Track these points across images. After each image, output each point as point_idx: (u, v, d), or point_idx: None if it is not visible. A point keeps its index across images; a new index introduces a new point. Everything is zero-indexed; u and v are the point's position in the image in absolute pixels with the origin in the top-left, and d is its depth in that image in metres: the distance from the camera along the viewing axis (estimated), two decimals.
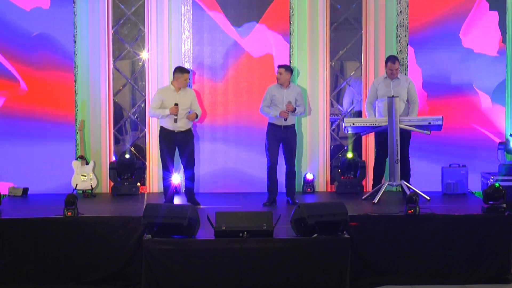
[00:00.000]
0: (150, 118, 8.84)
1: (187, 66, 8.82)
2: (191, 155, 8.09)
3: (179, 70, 8.08)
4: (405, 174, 8.13)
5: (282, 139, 8.11)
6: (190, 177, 8.10)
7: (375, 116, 8.24)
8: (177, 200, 8.31)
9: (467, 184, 8.56)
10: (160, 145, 8.09)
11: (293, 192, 8.17)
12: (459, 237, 6.85)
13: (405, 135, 8.11)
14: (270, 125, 8.15)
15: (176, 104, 7.85)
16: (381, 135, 8.17)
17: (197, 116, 8.06)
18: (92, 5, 8.84)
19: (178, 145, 8.03)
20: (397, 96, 7.91)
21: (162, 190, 8.27)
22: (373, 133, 8.54)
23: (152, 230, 6.40)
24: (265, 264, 6.29)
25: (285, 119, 8.01)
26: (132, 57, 9.12)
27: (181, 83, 8.00)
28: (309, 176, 8.88)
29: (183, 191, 8.35)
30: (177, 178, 8.63)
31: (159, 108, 7.98)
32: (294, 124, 8.19)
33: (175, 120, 7.87)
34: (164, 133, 8.01)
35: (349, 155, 8.81)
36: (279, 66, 8.20)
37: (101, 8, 8.85)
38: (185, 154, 8.05)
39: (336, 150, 9.16)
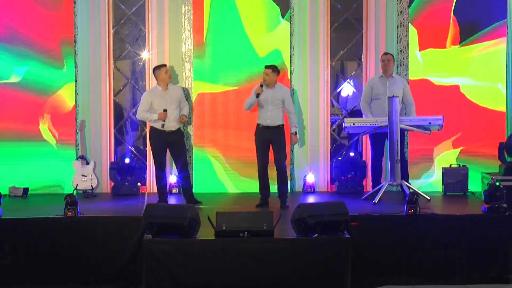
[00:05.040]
0: None
1: (187, 66, 8.82)
2: (184, 155, 8.07)
3: (156, 67, 8.03)
4: (403, 174, 8.12)
5: (270, 140, 8.03)
6: (186, 177, 8.07)
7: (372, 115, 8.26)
8: (176, 201, 8.31)
9: (467, 184, 8.56)
10: (151, 145, 8.02)
11: (284, 195, 8.04)
12: (460, 237, 6.85)
13: (401, 135, 8.08)
14: (258, 125, 8.06)
15: (165, 110, 7.81)
16: (377, 135, 8.18)
17: (186, 117, 8.04)
18: (92, 5, 8.84)
19: (169, 145, 7.98)
20: (397, 96, 7.92)
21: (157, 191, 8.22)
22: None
23: (152, 230, 6.39)
24: (266, 264, 6.28)
25: (257, 96, 7.86)
26: (132, 57, 9.12)
27: (164, 78, 7.93)
28: (308, 177, 8.87)
29: (181, 191, 8.33)
30: (173, 178, 8.67)
31: (147, 111, 7.91)
32: (282, 125, 8.09)
33: (162, 125, 7.81)
34: (155, 133, 7.94)
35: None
36: (266, 67, 8.04)
37: (102, 8, 8.86)
38: (178, 155, 8.02)
39: (337, 150, 9.16)
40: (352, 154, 8.86)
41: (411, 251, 6.82)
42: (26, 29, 8.73)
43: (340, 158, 8.99)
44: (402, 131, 8.03)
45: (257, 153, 8.06)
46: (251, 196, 8.45)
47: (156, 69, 7.99)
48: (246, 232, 6.26)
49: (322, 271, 6.31)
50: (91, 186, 8.60)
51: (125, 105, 9.16)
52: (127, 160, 8.78)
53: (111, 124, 9.00)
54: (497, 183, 7.14)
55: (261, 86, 7.90)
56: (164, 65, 8.05)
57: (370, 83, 8.37)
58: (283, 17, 8.86)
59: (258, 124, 8.05)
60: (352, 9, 9.12)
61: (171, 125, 7.91)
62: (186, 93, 8.68)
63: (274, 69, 8.03)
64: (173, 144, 7.98)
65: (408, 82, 8.57)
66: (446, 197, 8.44)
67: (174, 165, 8.29)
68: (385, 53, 8.40)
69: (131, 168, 8.77)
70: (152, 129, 7.97)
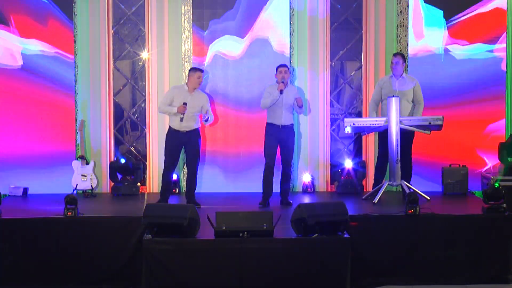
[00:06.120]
0: (151, 119, 8.87)
1: (187, 66, 8.82)
2: (195, 155, 8.07)
3: (192, 69, 8.13)
4: (407, 174, 8.12)
5: (280, 139, 8.07)
6: (192, 177, 8.08)
7: (376, 115, 8.24)
8: (175, 201, 8.31)
9: (467, 184, 8.56)
10: (166, 144, 8.07)
11: (286, 193, 8.11)
12: (459, 237, 6.85)
13: (408, 135, 8.10)
14: (268, 125, 8.11)
15: (184, 104, 7.85)
16: (384, 135, 8.17)
17: (207, 119, 8.01)
18: (92, 5, 8.84)
19: (184, 144, 8.03)
20: (397, 96, 7.92)
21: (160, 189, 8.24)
22: (373, 133, 8.55)
23: (152, 230, 6.40)
24: (265, 264, 6.29)
25: (281, 92, 7.91)
26: (132, 57, 9.12)
27: (193, 82, 8.00)
28: (307, 177, 8.88)
29: (184, 191, 8.35)
30: (175, 177, 8.67)
31: (168, 105, 7.98)
32: (292, 124, 8.15)
33: (181, 119, 7.85)
34: (171, 133, 8.01)
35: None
36: (281, 66, 8.13)
37: (101, 8, 8.85)
38: (190, 154, 8.05)
39: (337, 150, 9.16)
40: (350, 163, 8.83)
41: (411, 251, 6.82)
42: None
43: (339, 158, 8.99)
44: (405, 130, 8.00)
45: (267, 152, 8.08)
46: (252, 196, 8.48)
47: (192, 70, 8.10)
48: (245, 232, 6.26)
49: (321, 271, 6.32)
50: (91, 186, 8.60)
51: (125, 105, 9.16)
52: (122, 161, 8.77)
53: (111, 124, 9.00)
54: (496, 185, 7.14)
55: (282, 82, 7.94)
56: (201, 71, 8.13)
57: (380, 83, 8.32)
58: None
59: (270, 124, 8.07)
60: (352, 9, 9.11)
61: (187, 125, 7.93)
62: None
63: (288, 67, 8.13)
64: (187, 143, 8.01)
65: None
66: (445, 197, 8.43)
67: (176, 164, 8.28)
68: (394, 55, 8.26)
69: (131, 168, 8.77)
70: (170, 129, 8.03)
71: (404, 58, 8.28)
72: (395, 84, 8.18)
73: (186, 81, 8.21)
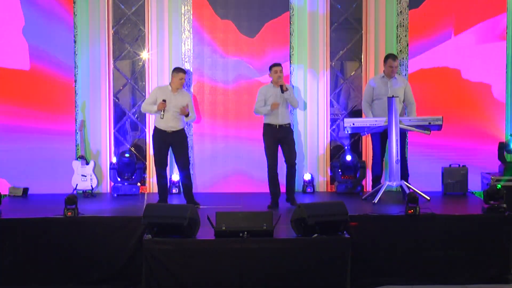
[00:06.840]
0: (151, 118, 8.87)
1: (187, 66, 8.82)
2: (185, 155, 8.09)
3: (175, 70, 8.11)
4: (403, 174, 8.13)
5: (279, 139, 8.04)
6: (186, 177, 8.09)
7: (372, 115, 8.26)
8: (175, 201, 8.31)
9: (467, 184, 8.56)
10: (153, 144, 8.08)
11: (293, 192, 8.10)
12: (459, 237, 6.86)
13: (402, 135, 8.10)
14: (266, 125, 8.07)
15: (164, 100, 7.85)
16: (378, 135, 8.19)
17: (188, 114, 8.01)
18: (92, 5, 8.84)
19: (171, 145, 8.02)
20: (397, 96, 7.93)
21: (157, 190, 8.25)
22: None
23: (152, 230, 6.40)
24: (265, 264, 6.29)
25: (282, 91, 7.86)
26: (132, 57, 9.12)
27: (175, 82, 8.00)
28: (307, 177, 8.88)
29: (182, 191, 8.35)
30: (175, 177, 8.68)
31: (151, 104, 8.00)
32: (289, 124, 8.13)
33: (161, 116, 7.86)
34: (157, 133, 8.00)
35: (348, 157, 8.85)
36: (275, 65, 8.05)
37: (101, 8, 8.85)
38: (179, 155, 8.04)
39: (336, 150, 9.17)
40: (349, 158, 8.83)
41: (411, 251, 6.83)
42: None
43: (339, 158, 9.00)
44: (403, 131, 8.03)
45: (267, 153, 8.05)
46: (254, 195, 8.47)
47: (175, 70, 8.07)
48: (245, 232, 6.27)
49: (321, 271, 6.32)
50: (91, 186, 8.60)
51: (125, 105, 9.16)
52: (127, 155, 8.78)
53: (111, 124, 9.00)
54: (498, 186, 7.14)
55: (281, 86, 7.91)
56: (184, 72, 8.09)
57: (372, 83, 8.35)
58: None
59: (267, 124, 8.05)
60: (352, 9, 9.12)
61: (172, 125, 7.93)
62: None
63: (281, 66, 8.10)
64: (174, 144, 8.01)
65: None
66: (445, 197, 8.43)
67: (167, 163, 8.28)
68: (393, 59, 8.20)
69: (130, 168, 8.77)
70: (155, 128, 8.03)
71: (398, 58, 8.33)
72: (387, 84, 8.20)
73: (170, 81, 8.16)
